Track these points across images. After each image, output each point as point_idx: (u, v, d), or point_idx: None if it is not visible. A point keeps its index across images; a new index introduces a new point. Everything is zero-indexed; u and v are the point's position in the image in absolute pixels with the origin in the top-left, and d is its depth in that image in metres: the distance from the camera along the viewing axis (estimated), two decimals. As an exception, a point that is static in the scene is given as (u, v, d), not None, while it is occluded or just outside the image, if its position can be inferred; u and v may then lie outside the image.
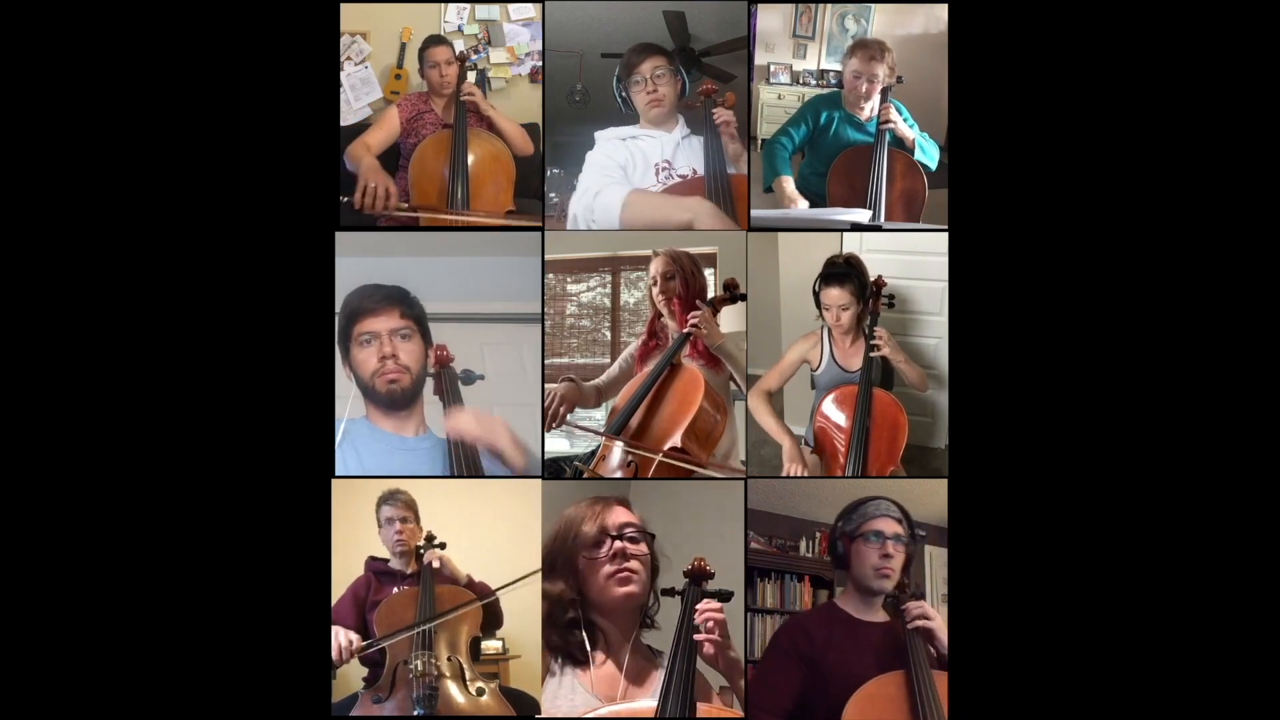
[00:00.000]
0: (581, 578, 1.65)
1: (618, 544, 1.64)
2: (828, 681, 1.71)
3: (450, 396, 1.90)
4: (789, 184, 2.14)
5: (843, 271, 2.06)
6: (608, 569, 1.63)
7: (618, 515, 1.68)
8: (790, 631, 1.81)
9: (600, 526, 1.66)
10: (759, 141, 2.21)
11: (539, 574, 1.74)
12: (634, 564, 1.64)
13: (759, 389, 2.10)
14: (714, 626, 1.56)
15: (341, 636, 1.82)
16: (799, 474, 1.99)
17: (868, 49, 2.13)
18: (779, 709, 1.71)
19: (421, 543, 1.97)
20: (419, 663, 1.82)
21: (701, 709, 1.52)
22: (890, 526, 1.79)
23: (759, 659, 1.84)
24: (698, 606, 1.57)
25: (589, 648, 1.62)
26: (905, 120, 2.13)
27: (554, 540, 1.70)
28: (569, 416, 2.04)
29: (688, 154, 2.08)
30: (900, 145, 2.13)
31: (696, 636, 1.55)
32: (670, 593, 1.64)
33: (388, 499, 1.98)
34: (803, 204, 2.12)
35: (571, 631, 1.63)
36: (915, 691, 1.64)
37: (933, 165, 2.13)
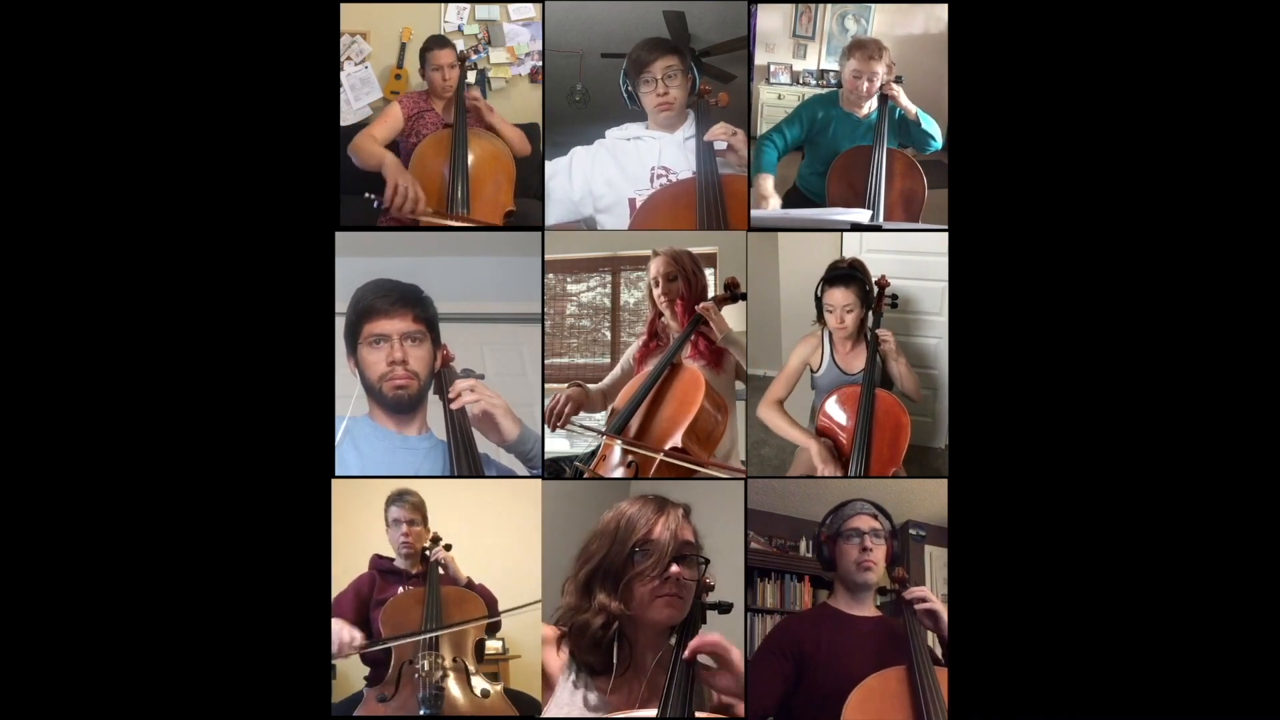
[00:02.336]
0: (627, 590, 1.52)
1: (674, 568, 1.51)
2: (822, 677, 1.72)
3: (448, 394, 1.88)
4: (767, 183, 2.13)
5: (847, 274, 2.05)
6: (656, 586, 1.51)
7: (685, 532, 1.56)
8: (780, 631, 1.83)
9: (666, 546, 1.52)
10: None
11: (538, 604, 1.72)
12: (683, 589, 1.52)
13: (770, 399, 2.09)
14: (713, 649, 1.48)
15: (345, 632, 1.80)
16: (834, 473, 1.98)
17: (865, 48, 2.13)
18: (766, 705, 1.72)
19: (428, 544, 1.97)
20: (425, 663, 1.82)
21: (701, 714, 1.51)
22: (867, 523, 1.82)
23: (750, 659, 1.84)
24: (690, 645, 1.48)
25: (615, 661, 1.52)
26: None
27: (611, 542, 1.55)
28: (573, 419, 2.03)
29: (690, 156, 2.06)
30: (903, 119, 2.13)
31: (697, 659, 1.47)
32: None
33: (396, 499, 1.98)
34: (775, 202, 2.11)
35: (607, 648, 1.52)
36: (916, 686, 1.64)
37: (938, 142, 2.12)
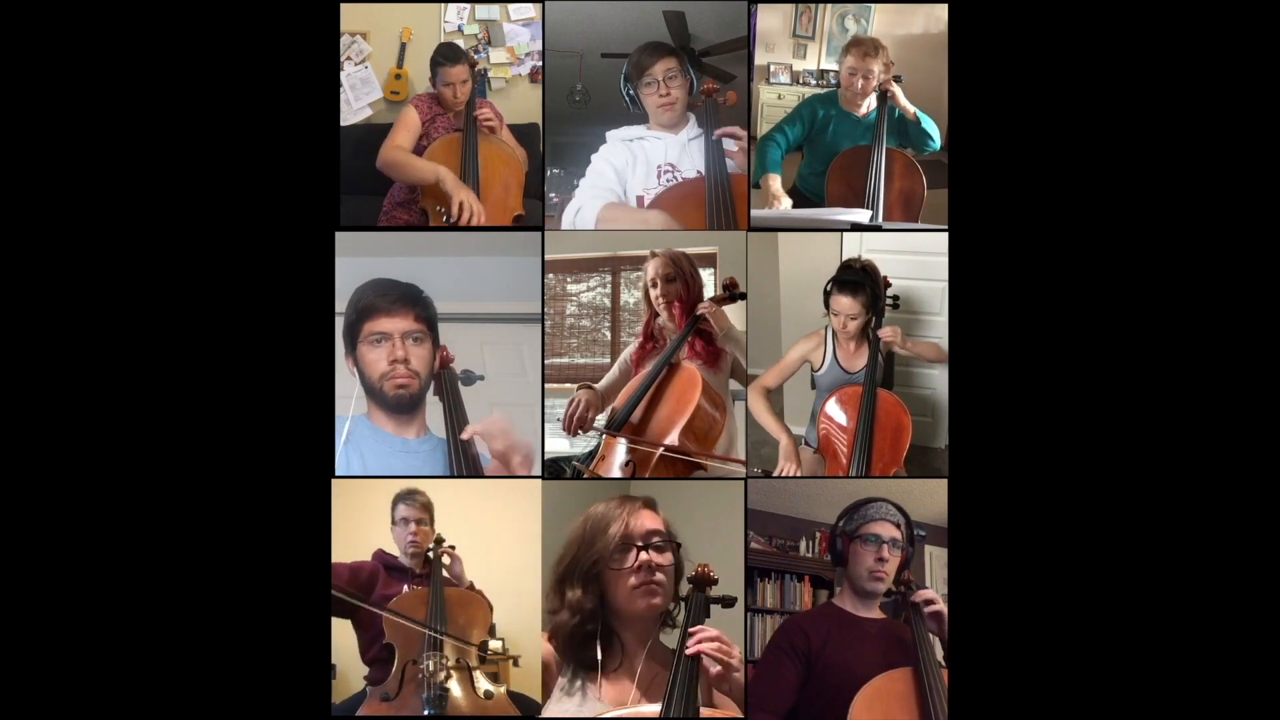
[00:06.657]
0: (605, 587, 1.58)
1: (644, 555, 1.56)
2: (828, 677, 1.71)
3: (450, 397, 1.87)
4: (775, 182, 2.14)
5: (857, 280, 2.04)
6: (633, 580, 1.56)
7: (644, 520, 1.60)
8: (788, 631, 1.81)
9: (626, 534, 1.57)
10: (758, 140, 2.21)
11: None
12: (659, 575, 1.57)
13: (758, 386, 2.10)
14: (718, 652, 1.50)
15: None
16: (793, 473, 1.99)
17: (861, 46, 2.14)
18: (778, 708, 1.71)
19: (433, 545, 1.97)
20: (429, 663, 1.82)
21: (705, 712, 1.52)
22: (888, 530, 1.80)
23: (758, 659, 1.84)
24: (691, 632, 1.51)
25: (598, 658, 1.56)
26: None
27: (579, 545, 1.61)
28: (595, 423, 2.03)
29: (695, 156, 2.07)
30: (902, 119, 2.13)
31: (701, 656, 1.49)
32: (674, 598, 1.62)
33: (405, 498, 1.97)
34: (786, 202, 2.12)
35: (590, 643, 1.56)
36: (924, 688, 1.64)
37: (936, 143, 2.12)
